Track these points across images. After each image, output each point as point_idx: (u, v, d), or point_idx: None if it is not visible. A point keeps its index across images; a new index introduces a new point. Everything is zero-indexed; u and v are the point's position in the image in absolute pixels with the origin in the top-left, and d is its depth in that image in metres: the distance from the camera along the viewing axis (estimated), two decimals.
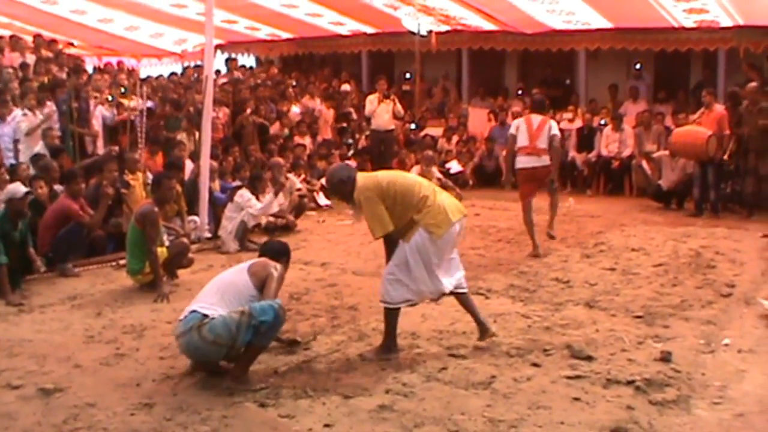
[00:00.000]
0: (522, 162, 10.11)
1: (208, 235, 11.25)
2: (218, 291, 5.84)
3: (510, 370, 5.91)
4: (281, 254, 6.39)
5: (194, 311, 5.71)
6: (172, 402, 5.39)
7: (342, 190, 6.33)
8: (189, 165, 12.00)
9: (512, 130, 10.31)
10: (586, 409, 5.21)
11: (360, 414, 5.14)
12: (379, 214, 6.08)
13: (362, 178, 6.27)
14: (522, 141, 10.09)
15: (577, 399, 5.35)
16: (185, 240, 9.45)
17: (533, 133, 10.05)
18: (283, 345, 6.48)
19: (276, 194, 11.35)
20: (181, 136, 13.26)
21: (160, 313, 7.70)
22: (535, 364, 6.04)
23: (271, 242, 6.73)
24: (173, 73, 18.73)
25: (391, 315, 6.29)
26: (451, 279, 6.35)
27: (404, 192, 6.15)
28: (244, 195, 10.89)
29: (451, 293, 6.43)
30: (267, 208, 11.20)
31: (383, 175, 6.38)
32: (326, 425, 4.98)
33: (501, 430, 4.88)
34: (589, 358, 6.11)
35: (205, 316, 5.62)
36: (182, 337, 5.69)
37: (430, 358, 6.21)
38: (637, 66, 18.33)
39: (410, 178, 6.44)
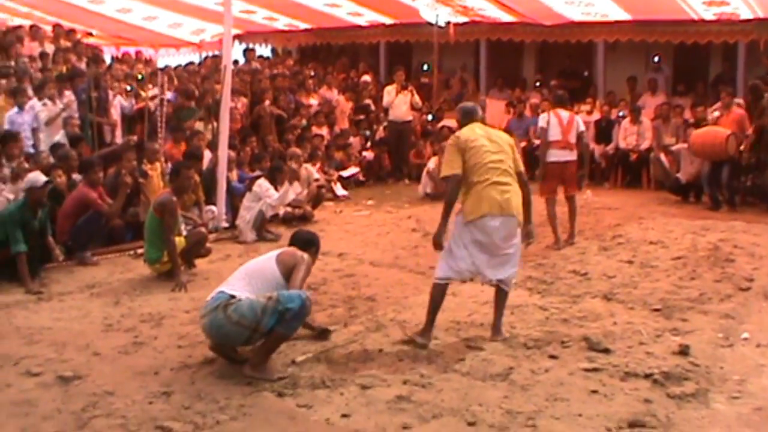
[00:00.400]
0: (555, 155, 10.07)
1: (226, 224, 11.27)
2: (246, 276, 5.89)
3: (528, 362, 5.92)
4: (310, 244, 6.40)
5: (221, 291, 5.76)
6: (191, 390, 5.41)
7: (459, 124, 6.74)
8: (207, 155, 12.02)
9: (542, 124, 10.27)
10: (603, 401, 5.20)
11: (377, 404, 5.15)
12: (450, 159, 6.33)
13: (466, 128, 6.52)
14: (555, 135, 10.08)
15: (594, 391, 5.35)
16: (203, 229, 9.47)
17: (565, 127, 10.07)
18: (314, 334, 6.52)
19: (291, 183, 11.36)
20: (199, 126, 13.28)
21: (178, 302, 7.73)
22: (552, 356, 6.03)
23: (301, 232, 6.70)
24: (190, 63, 18.74)
25: (435, 291, 6.43)
26: (496, 272, 6.40)
27: (472, 165, 6.28)
28: (262, 185, 10.90)
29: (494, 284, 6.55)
30: (283, 197, 11.21)
31: (479, 138, 6.41)
32: (344, 415, 4.99)
33: (519, 421, 4.88)
34: (607, 351, 6.10)
35: (233, 296, 5.66)
36: (207, 316, 5.73)
37: (447, 350, 6.21)
38: (656, 58, 18.24)
39: (489, 158, 6.33)
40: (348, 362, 5.94)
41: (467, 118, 6.67)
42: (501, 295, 6.55)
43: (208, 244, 9.42)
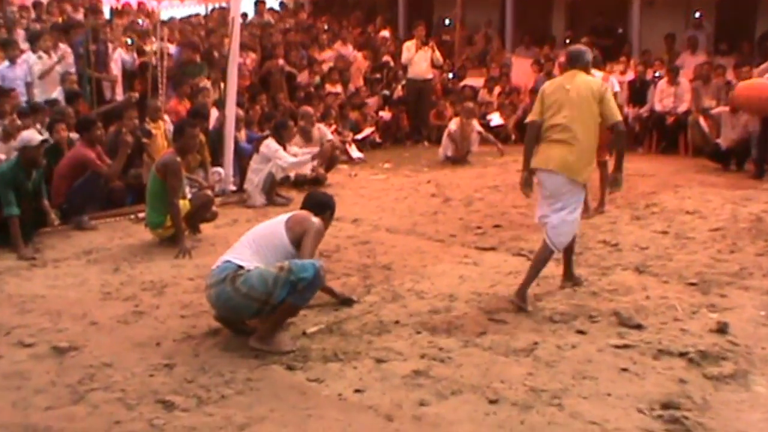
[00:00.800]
0: None
1: (233, 187, 11.27)
2: (253, 243, 5.86)
3: (553, 337, 5.89)
4: (325, 207, 6.35)
5: (228, 261, 5.73)
6: (194, 363, 5.41)
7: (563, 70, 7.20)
8: (214, 113, 11.98)
9: None
10: (634, 380, 5.16)
11: (393, 379, 5.13)
12: (534, 106, 6.81)
13: (557, 79, 7.03)
14: None
15: (625, 370, 5.31)
16: (209, 192, 9.44)
17: None
18: (337, 302, 6.56)
19: (314, 159, 11.36)
20: (205, 83, 13.23)
21: (181, 269, 7.73)
22: (580, 332, 6.00)
23: (315, 194, 6.66)
24: (194, 15, 18.66)
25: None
26: (545, 218, 6.67)
27: (545, 119, 6.63)
28: (270, 145, 10.84)
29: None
30: (299, 165, 11.19)
31: (558, 91, 6.65)
32: (357, 390, 4.98)
33: (543, 400, 4.85)
34: (639, 327, 6.06)
35: (240, 267, 5.63)
36: (213, 287, 5.70)
37: (468, 322, 6.19)
38: (697, 14, 18.03)
39: (556, 113, 6.56)
40: (362, 334, 5.92)
41: (570, 63, 6.98)
42: (540, 249, 6.69)
43: (214, 208, 9.39)
